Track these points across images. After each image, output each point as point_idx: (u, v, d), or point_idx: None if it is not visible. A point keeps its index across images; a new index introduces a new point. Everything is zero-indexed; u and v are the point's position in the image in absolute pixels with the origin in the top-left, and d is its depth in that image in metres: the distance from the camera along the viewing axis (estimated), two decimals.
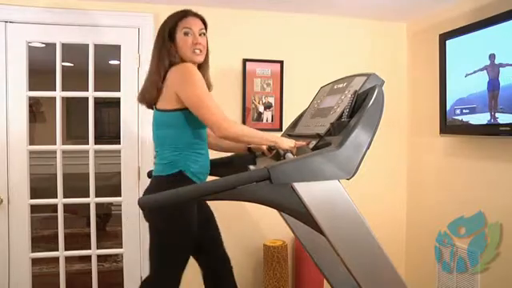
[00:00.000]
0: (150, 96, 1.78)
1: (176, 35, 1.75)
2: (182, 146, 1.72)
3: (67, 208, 2.70)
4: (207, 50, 1.84)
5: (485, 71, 2.16)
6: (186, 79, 1.65)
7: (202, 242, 1.90)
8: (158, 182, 1.74)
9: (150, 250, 1.77)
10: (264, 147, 1.92)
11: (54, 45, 2.57)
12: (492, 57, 2.12)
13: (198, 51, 1.76)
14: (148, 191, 1.75)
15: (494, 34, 2.11)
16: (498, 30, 2.08)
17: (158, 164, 1.76)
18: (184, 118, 1.70)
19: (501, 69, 2.07)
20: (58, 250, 2.63)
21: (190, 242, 1.76)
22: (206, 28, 1.82)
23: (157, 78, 1.73)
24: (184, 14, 1.78)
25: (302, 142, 1.59)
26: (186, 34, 1.74)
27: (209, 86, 1.85)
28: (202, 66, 1.85)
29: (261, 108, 2.88)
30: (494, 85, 2.12)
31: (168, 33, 1.75)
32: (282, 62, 2.89)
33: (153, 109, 1.82)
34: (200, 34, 1.77)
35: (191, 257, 1.92)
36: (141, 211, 1.85)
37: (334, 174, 1.28)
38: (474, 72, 2.22)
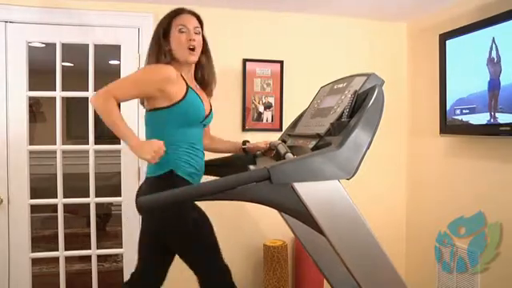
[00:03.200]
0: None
1: (170, 33, 1.73)
2: (168, 145, 1.65)
3: (67, 208, 2.70)
4: (207, 49, 1.83)
5: (486, 67, 2.16)
6: (139, 70, 1.68)
7: None
8: (150, 184, 1.72)
9: (186, 260, 1.72)
10: (261, 145, 1.93)
11: (54, 45, 2.57)
12: (493, 58, 2.12)
13: (191, 48, 1.73)
14: (141, 193, 1.72)
15: (494, 34, 2.11)
16: (498, 30, 2.09)
17: (150, 165, 1.73)
18: (163, 116, 1.68)
19: (502, 66, 2.06)
20: (58, 250, 2.63)
21: (206, 224, 1.73)
22: (201, 26, 1.80)
23: None
24: (179, 12, 1.76)
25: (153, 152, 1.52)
26: (180, 31, 1.72)
27: (212, 85, 1.88)
28: (203, 66, 1.84)
29: (261, 108, 2.88)
30: (494, 84, 2.12)
31: (163, 31, 1.74)
32: (282, 62, 2.89)
33: None
34: (195, 32, 1.75)
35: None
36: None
37: (334, 174, 1.28)
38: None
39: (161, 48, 1.72)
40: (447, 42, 2.43)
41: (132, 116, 2.65)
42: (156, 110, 1.69)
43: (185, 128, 1.71)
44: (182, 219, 1.66)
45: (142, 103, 1.84)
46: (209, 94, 1.91)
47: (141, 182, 2.60)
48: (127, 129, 1.58)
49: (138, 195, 1.77)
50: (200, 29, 1.79)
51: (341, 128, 1.38)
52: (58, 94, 2.60)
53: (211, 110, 1.89)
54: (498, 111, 2.10)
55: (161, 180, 1.68)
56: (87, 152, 2.65)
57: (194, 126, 1.75)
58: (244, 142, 2.03)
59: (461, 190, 2.54)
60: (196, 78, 1.88)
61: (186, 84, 1.72)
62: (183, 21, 1.74)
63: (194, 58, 1.76)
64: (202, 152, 1.82)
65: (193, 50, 1.74)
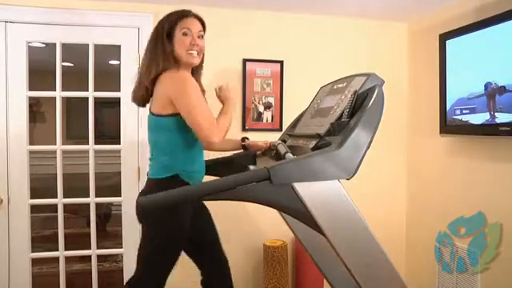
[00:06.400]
0: (139, 96, 1.79)
1: (174, 34, 1.73)
2: (177, 149, 1.69)
3: (67, 208, 2.70)
4: (203, 53, 1.83)
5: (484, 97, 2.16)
6: (181, 88, 1.62)
7: (201, 244, 1.90)
8: (154, 184, 1.72)
9: (138, 251, 1.75)
10: (261, 144, 1.93)
11: (54, 45, 2.57)
12: (488, 85, 2.12)
13: (194, 53, 1.74)
14: (144, 193, 1.71)
15: (494, 34, 2.11)
16: (498, 31, 2.08)
17: (154, 167, 1.75)
18: (179, 122, 1.67)
19: (497, 96, 2.07)
20: (58, 250, 2.64)
21: (180, 245, 1.74)
22: (204, 30, 1.81)
23: (147, 78, 1.71)
24: (184, 14, 1.76)
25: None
26: (184, 34, 1.72)
27: (202, 91, 1.84)
28: (197, 70, 1.85)
29: (261, 108, 2.88)
30: (491, 85, 2.12)
31: (167, 32, 1.73)
32: (281, 62, 2.89)
33: (144, 107, 1.83)
34: (198, 36, 1.76)
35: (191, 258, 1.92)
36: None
37: (334, 174, 1.28)
38: (476, 97, 2.21)
39: (164, 49, 1.71)
40: (447, 42, 2.43)
41: (132, 117, 2.66)
42: (167, 116, 1.67)
43: (192, 133, 1.70)
44: (174, 219, 1.66)
45: (144, 105, 1.84)
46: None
47: (140, 182, 2.63)
48: (227, 115, 1.74)
49: (140, 197, 1.77)
50: (203, 32, 1.80)
51: (341, 128, 1.38)
52: (58, 94, 2.59)
53: None
54: (497, 111, 2.10)
55: (165, 182, 1.68)
56: (87, 152, 2.65)
57: None
58: (243, 139, 2.04)
59: (461, 189, 2.54)
60: None
61: None
62: (188, 24, 1.73)
63: (196, 60, 1.77)
64: (203, 153, 1.83)
65: (196, 53, 1.75)
